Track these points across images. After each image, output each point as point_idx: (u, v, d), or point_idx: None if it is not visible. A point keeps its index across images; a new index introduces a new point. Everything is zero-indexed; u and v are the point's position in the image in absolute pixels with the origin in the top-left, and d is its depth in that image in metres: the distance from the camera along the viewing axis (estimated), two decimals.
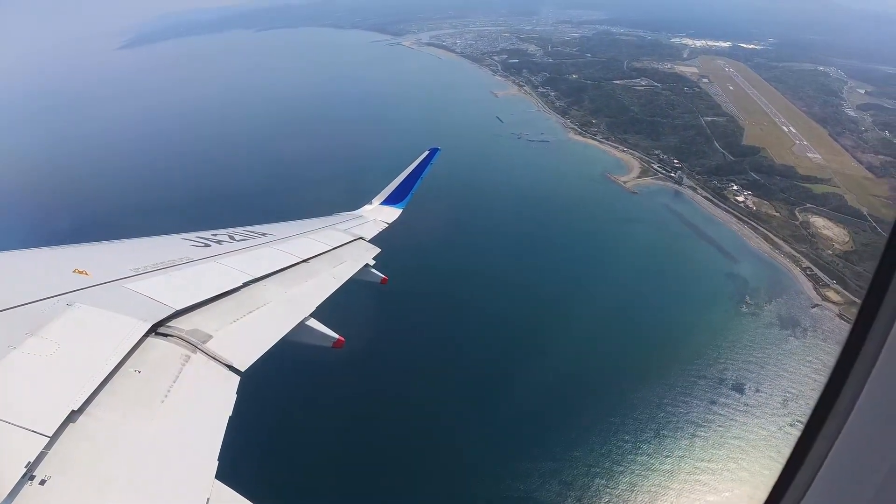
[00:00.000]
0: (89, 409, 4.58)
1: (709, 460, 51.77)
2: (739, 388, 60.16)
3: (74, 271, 6.99)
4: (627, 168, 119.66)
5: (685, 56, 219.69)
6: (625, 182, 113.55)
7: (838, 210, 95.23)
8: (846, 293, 76.68)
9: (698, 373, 62.48)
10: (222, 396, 5.68)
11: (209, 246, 9.95)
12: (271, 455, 53.32)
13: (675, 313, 73.20)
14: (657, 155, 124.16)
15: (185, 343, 6.28)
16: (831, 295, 77.01)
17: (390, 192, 19.05)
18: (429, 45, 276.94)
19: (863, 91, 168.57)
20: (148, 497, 4.17)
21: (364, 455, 54.62)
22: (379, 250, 13.62)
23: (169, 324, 6.49)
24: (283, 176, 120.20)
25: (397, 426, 57.83)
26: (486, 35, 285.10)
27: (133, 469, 4.30)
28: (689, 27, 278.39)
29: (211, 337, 6.59)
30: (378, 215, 17.57)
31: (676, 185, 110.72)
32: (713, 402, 58.28)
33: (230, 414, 5.37)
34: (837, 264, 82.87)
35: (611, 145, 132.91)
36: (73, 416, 4.39)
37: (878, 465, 2.78)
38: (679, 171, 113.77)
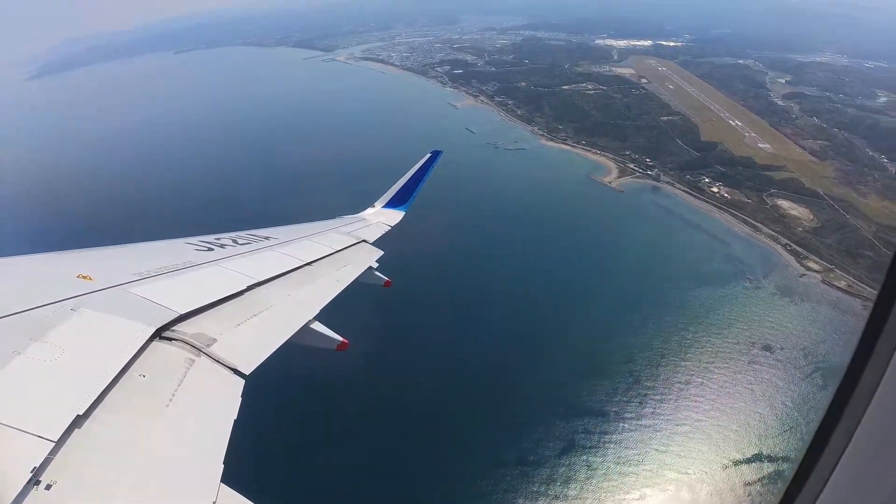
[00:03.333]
0: (94, 413, 4.72)
1: (770, 398, 66.25)
2: (769, 348, 74.74)
3: (78, 276, 7.24)
4: (606, 169, 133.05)
5: (616, 58, 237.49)
6: (609, 182, 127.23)
7: (798, 192, 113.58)
8: (823, 262, 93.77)
9: (733, 339, 76.44)
10: (227, 399, 5.96)
11: (212, 250, 10.34)
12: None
13: (693, 293, 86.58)
14: (629, 155, 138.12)
15: (189, 347, 6.54)
16: (812, 265, 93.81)
17: (393, 194, 19.77)
18: (365, 59, 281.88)
19: (783, 81, 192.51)
20: (154, 500, 4.36)
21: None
22: (382, 253, 14.26)
23: (173, 328, 6.77)
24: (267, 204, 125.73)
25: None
26: (417, 47, 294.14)
27: (139, 473, 4.44)
28: (608, 28, 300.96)
29: (215, 340, 6.87)
30: (381, 218, 18.15)
31: (655, 182, 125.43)
32: (752, 362, 72.74)
33: (235, 417, 5.64)
34: (810, 239, 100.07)
35: (583, 149, 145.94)
36: (78, 420, 4.51)
37: (892, 466, 2.97)
38: (656, 169, 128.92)
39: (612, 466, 58.65)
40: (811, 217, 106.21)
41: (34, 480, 3.82)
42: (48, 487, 3.84)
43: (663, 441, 61.27)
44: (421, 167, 20.49)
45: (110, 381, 5.18)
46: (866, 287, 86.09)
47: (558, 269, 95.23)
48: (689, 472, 58.07)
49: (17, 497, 3.62)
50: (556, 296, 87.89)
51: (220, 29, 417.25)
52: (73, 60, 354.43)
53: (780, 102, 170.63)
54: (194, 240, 10.88)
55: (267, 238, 12.42)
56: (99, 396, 4.90)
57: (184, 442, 5.08)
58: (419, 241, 68.70)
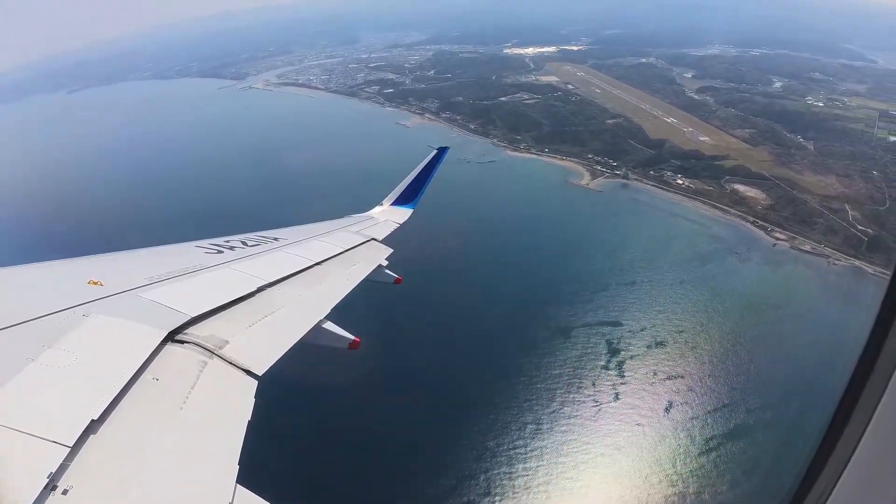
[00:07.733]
0: (109, 418, 4.89)
1: (801, 345, 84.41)
2: (779, 307, 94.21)
3: (89, 282, 7.53)
4: (578, 174, 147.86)
5: (532, 66, 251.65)
6: (586, 185, 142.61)
7: (748, 177, 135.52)
8: (787, 232, 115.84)
9: (748, 302, 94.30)
10: (241, 401, 6.15)
11: (222, 252, 10.85)
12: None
13: (701, 271, 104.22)
14: (592, 158, 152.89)
15: (201, 349, 6.79)
16: (779, 236, 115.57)
17: (400, 192, 20.31)
18: (284, 84, 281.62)
19: (689, 76, 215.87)
20: (170, 503, 4.53)
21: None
22: (391, 250, 15.03)
23: (185, 331, 7.05)
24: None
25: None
26: (332, 68, 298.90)
27: (154, 476, 4.61)
28: (510, 37, 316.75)
29: (227, 342, 7.12)
30: (389, 216, 18.75)
31: (625, 180, 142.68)
32: (774, 320, 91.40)
33: (249, 418, 5.85)
34: (770, 215, 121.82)
35: (549, 156, 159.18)
36: (93, 425, 4.68)
37: None
38: (624, 169, 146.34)
39: (706, 417, 74.03)
40: (764, 196, 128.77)
41: (51, 486, 4.01)
42: (65, 492, 4.03)
43: (741, 391, 77.59)
44: (427, 165, 21.03)
45: (124, 385, 5.40)
46: (826, 248, 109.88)
47: (573, 263, 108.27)
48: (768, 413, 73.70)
49: (34, 502, 3.80)
50: (587, 286, 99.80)
51: (105, 64, 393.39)
52: None
53: (696, 97, 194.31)
54: (204, 243, 11.38)
55: (276, 239, 12.92)
56: (113, 401, 5.12)
57: (198, 444, 5.32)
58: (432, 246, 78.76)
